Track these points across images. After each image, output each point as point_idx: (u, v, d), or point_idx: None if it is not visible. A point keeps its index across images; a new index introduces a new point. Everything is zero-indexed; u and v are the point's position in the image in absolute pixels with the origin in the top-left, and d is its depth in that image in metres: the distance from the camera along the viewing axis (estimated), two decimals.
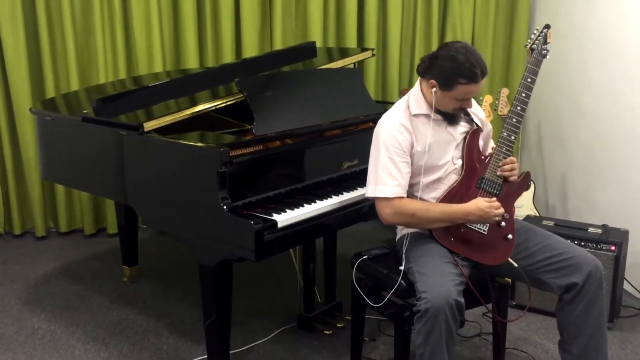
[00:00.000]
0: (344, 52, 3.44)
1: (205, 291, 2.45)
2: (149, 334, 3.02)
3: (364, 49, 3.39)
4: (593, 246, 3.05)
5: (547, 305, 3.15)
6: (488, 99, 3.70)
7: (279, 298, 3.37)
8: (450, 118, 2.35)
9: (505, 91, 3.82)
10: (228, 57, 4.15)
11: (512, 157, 2.35)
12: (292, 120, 2.67)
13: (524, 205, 3.92)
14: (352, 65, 3.36)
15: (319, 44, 4.15)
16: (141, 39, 4.05)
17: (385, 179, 2.29)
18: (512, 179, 2.35)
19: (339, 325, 2.97)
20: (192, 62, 4.11)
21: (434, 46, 4.35)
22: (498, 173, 2.33)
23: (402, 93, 3.96)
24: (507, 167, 2.33)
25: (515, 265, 2.34)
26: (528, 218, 3.40)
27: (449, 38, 4.39)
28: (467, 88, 2.20)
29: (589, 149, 3.81)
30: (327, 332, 2.94)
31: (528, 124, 4.47)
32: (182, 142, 2.40)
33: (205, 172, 2.27)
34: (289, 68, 3.26)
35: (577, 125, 3.92)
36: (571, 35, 3.88)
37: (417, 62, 4.30)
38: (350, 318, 2.65)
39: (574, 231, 3.13)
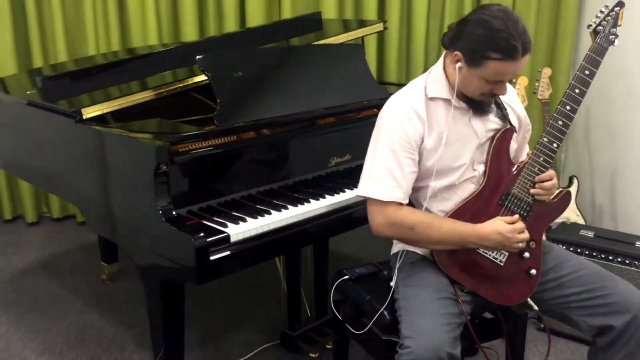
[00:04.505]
0: (347, 25, 2.94)
1: (151, 317, 2.04)
2: (113, 345, 2.66)
3: (368, 22, 2.85)
4: None
5: (559, 325, 2.60)
6: (523, 80, 3.15)
7: (265, 308, 2.95)
8: (476, 107, 1.81)
9: (547, 71, 3.27)
10: (231, 28, 3.70)
11: (551, 172, 1.83)
12: (267, 107, 2.21)
13: None
14: (359, 41, 2.87)
15: (333, 15, 3.67)
16: (135, 8, 3.64)
17: (381, 177, 1.79)
18: (544, 198, 1.84)
19: (328, 346, 2.53)
20: (190, 33, 3.68)
21: None
22: (532, 191, 1.81)
23: None
24: (548, 184, 1.81)
25: (536, 308, 1.85)
26: (564, 226, 2.86)
27: None
28: (500, 66, 1.65)
29: None
30: (313, 354, 2.51)
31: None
32: (119, 132, 1.98)
33: (143, 171, 1.85)
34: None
35: (630, 114, 3.31)
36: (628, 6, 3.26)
37: None
38: None
39: (616, 244, 2.59)
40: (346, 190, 2.22)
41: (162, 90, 2.26)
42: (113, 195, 2.02)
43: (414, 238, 1.82)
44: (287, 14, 3.67)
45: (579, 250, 2.63)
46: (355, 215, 2.18)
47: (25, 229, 3.97)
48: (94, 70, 2.39)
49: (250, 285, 3.16)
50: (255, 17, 3.67)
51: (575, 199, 3.38)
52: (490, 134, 1.87)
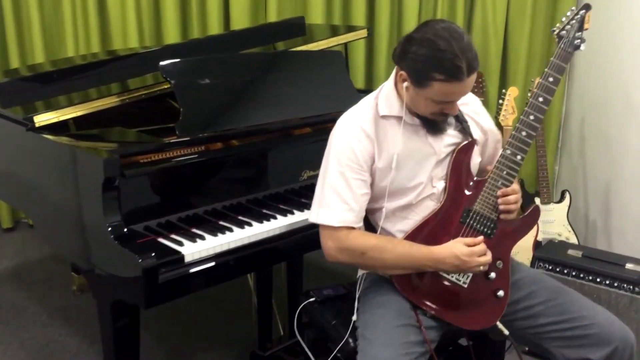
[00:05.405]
0: (329, 31, 2.82)
1: (104, 339, 1.90)
2: None
3: (351, 27, 2.74)
4: (629, 289, 2.37)
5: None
6: (513, 91, 3.02)
7: (235, 325, 2.81)
8: (430, 125, 1.71)
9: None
10: (215, 30, 3.57)
11: (515, 186, 1.71)
12: (235, 117, 2.09)
13: (556, 221, 3.23)
14: (342, 48, 2.74)
15: (321, 20, 3.55)
16: (115, 8, 3.52)
17: (331, 201, 1.68)
18: (507, 217, 1.71)
19: None
20: (172, 35, 3.56)
21: (459, 24, 3.66)
22: (501, 215, 1.69)
23: None
24: (511, 198, 1.69)
25: (506, 332, 1.72)
26: (551, 244, 2.73)
27: (477, 15, 3.68)
28: (445, 87, 1.55)
29: None
30: None
31: (570, 120, 3.74)
32: (67, 142, 1.86)
33: (91, 185, 1.72)
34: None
35: (626, 126, 3.17)
36: (624, 15, 3.13)
37: None
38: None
39: (605, 266, 2.46)
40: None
41: (125, 97, 2.14)
42: (64, 208, 1.90)
43: (368, 263, 1.72)
44: (272, 17, 3.55)
45: (565, 271, 2.49)
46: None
47: (1, 235, 3.84)
48: (55, 74, 2.26)
49: (219, 300, 3.02)
50: (240, 20, 3.55)
51: (567, 215, 3.24)
52: (450, 149, 1.75)
